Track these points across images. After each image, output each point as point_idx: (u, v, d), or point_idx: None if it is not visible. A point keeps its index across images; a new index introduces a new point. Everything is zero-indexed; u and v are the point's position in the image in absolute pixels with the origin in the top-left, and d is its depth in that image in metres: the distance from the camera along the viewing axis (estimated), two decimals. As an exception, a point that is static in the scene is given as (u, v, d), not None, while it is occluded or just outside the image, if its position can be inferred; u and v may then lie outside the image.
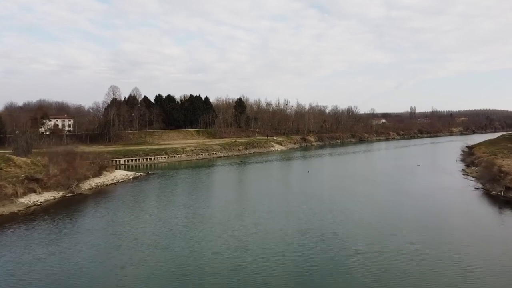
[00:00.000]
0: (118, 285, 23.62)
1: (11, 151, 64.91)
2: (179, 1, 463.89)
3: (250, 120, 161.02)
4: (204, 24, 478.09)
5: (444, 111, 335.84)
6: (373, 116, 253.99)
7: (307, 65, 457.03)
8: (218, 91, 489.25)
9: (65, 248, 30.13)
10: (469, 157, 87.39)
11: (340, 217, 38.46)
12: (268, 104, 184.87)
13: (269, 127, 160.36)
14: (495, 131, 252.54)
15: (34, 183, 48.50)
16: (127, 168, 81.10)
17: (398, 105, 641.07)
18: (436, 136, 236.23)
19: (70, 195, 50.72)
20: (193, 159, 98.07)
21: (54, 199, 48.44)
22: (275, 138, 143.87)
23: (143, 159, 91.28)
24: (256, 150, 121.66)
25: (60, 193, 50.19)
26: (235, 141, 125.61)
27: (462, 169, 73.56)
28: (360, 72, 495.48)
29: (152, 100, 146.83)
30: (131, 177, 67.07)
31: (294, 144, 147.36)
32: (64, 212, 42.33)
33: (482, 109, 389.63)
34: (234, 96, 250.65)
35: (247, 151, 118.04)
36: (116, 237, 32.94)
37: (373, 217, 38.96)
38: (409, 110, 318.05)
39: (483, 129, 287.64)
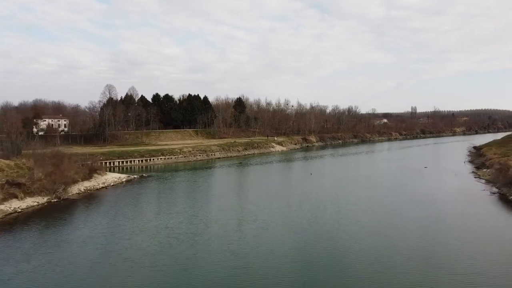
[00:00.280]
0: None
1: (-1, 152, 61.19)
2: (179, 1, 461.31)
3: (250, 120, 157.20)
4: (204, 24, 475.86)
5: (445, 111, 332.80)
6: (374, 116, 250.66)
7: (307, 65, 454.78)
8: (218, 91, 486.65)
9: (44, 262, 26.51)
10: (478, 158, 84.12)
11: (352, 229, 34.72)
12: (268, 104, 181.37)
13: (269, 127, 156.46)
14: (498, 131, 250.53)
15: (15, 188, 44.94)
16: (122, 170, 77.37)
17: (398, 105, 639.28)
18: (439, 136, 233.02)
19: (55, 200, 47.19)
20: (191, 161, 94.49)
21: (38, 205, 44.88)
22: (275, 139, 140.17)
23: (139, 160, 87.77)
24: (256, 151, 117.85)
25: (45, 199, 46.62)
26: (235, 141, 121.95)
27: (473, 171, 69.97)
28: (360, 72, 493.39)
29: (150, 100, 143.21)
30: (124, 180, 63.45)
31: (295, 144, 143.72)
32: (45, 220, 38.76)
33: (483, 109, 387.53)
34: (234, 96, 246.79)
35: (246, 152, 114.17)
36: (97, 251, 29.26)
37: (387, 230, 34.96)
38: (409, 110, 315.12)
39: (486, 129, 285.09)
